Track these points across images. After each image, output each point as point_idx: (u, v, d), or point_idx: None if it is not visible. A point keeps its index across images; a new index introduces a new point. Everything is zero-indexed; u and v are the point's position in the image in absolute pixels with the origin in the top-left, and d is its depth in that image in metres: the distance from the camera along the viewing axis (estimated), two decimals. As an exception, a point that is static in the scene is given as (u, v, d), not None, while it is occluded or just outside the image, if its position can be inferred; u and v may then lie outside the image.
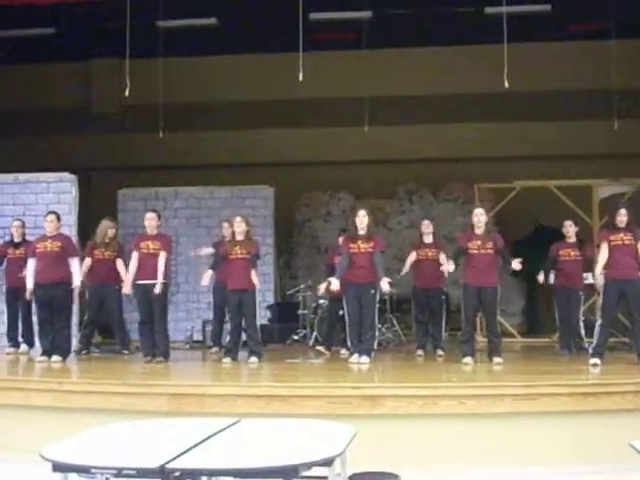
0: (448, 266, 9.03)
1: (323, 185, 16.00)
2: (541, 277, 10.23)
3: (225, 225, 10.78)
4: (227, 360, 9.35)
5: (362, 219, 9.22)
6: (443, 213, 15.32)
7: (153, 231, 9.56)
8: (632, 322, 8.65)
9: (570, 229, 10.26)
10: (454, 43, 15.19)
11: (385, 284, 8.88)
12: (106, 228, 10.64)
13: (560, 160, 14.83)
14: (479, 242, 8.98)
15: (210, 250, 11.19)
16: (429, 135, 15.51)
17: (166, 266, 9.45)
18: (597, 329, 8.64)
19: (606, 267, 8.50)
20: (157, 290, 9.28)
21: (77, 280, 9.60)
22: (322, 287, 9.95)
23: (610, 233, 8.57)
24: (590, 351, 8.72)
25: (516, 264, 8.81)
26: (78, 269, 9.66)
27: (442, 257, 9.94)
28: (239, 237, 9.45)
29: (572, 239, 10.26)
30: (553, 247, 10.29)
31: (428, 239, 10.31)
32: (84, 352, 10.44)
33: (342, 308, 9.62)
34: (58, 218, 9.72)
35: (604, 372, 8.14)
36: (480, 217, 9.07)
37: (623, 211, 8.54)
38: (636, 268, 8.45)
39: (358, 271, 9.14)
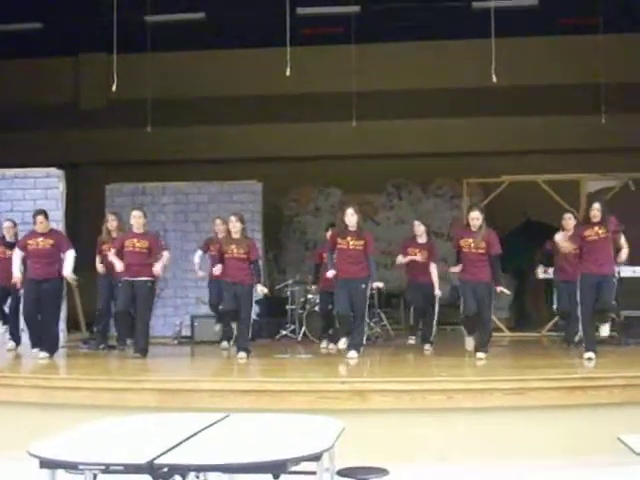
0: (437, 290, 10.12)
1: (311, 180, 16.00)
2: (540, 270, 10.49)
3: (218, 222, 10.73)
4: (225, 345, 10.18)
5: (350, 217, 9.16)
6: (432, 208, 15.33)
7: (140, 229, 9.53)
8: (596, 308, 8.56)
9: (570, 222, 10.22)
10: (442, 38, 15.20)
11: (378, 284, 9.49)
12: (106, 222, 10.60)
13: (548, 155, 14.87)
14: (471, 240, 8.98)
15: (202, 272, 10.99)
16: (417, 130, 15.51)
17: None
18: (581, 326, 8.70)
19: (582, 262, 8.58)
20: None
21: (68, 270, 9.47)
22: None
23: (584, 229, 8.60)
24: (583, 345, 8.74)
25: (503, 290, 9.04)
26: (71, 260, 9.51)
27: (434, 275, 10.16)
28: (235, 235, 9.41)
29: (571, 232, 10.26)
30: (549, 242, 10.29)
31: (421, 239, 10.33)
32: (102, 347, 10.44)
33: (332, 302, 9.61)
34: (46, 217, 9.56)
35: (592, 366, 8.17)
36: (476, 221, 9.01)
37: (596, 205, 8.52)
38: (612, 262, 8.53)
39: (348, 267, 9.11)
